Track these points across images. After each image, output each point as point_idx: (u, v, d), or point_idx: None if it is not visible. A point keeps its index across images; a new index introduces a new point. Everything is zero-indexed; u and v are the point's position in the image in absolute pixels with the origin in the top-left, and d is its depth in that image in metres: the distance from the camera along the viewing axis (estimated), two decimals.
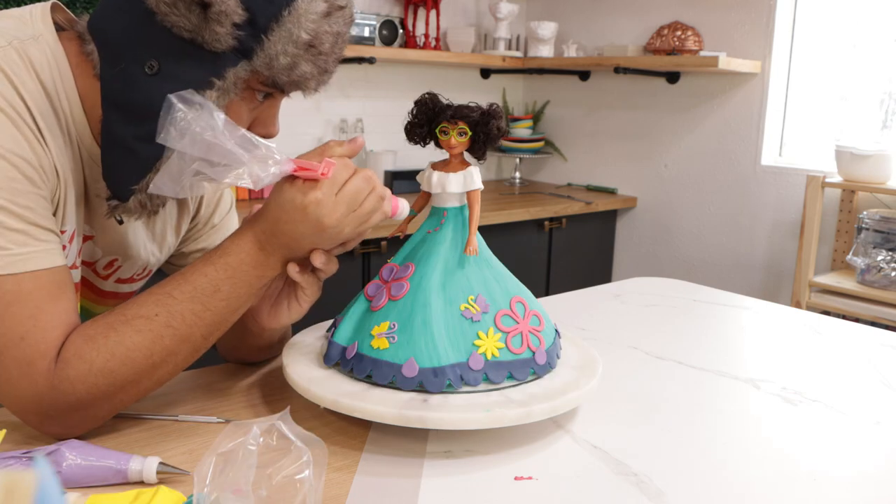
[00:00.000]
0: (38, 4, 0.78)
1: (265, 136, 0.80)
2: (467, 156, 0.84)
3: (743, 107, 2.72)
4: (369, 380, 0.77)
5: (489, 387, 0.77)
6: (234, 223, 1.03)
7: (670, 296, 1.38)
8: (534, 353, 0.79)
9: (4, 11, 0.77)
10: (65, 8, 0.80)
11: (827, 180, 2.36)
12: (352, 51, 2.56)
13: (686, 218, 2.94)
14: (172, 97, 0.67)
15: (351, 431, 0.78)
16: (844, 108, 2.58)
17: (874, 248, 2.27)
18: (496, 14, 3.08)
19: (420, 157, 3.01)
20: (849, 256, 2.32)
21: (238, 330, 0.88)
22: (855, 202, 2.47)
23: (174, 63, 0.70)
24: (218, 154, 0.68)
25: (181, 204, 0.96)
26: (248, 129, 0.78)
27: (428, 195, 0.85)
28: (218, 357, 0.99)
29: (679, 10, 2.84)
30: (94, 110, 0.76)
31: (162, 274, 0.92)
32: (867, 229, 2.30)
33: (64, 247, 0.77)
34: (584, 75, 3.17)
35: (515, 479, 0.70)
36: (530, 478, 0.70)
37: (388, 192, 0.77)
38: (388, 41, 2.80)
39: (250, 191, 2.35)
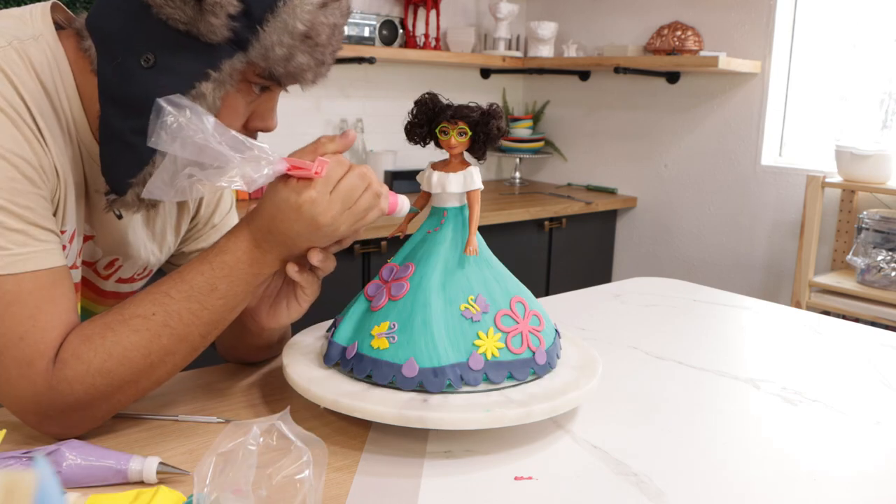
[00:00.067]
0: (38, 4, 0.78)
1: (264, 130, 0.80)
2: (467, 156, 0.84)
3: (743, 107, 2.72)
4: (369, 380, 0.77)
5: (489, 387, 0.77)
6: (233, 223, 1.03)
7: (670, 296, 1.38)
8: (534, 353, 0.79)
9: (4, 11, 0.77)
10: (64, 7, 0.80)
11: (827, 180, 2.36)
12: (352, 51, 2.56)
13: (686, 218, 2.94)
14: (161, 101, 0.67)
15: (351, 431, 0.78)
16: (844, 108, 2.58)
17: (874, 248, 2.27)
18: (496, 14, 3.08)
19: (420, 157, 3.01)
20: (849, 256, 2.32)
21: (237, 330, 0.88)
22: (855, 202, 2.47)
23: (170, 56, 0.70)
24: (209, 156, 0.68)
25: (181, 204, 0.96)
26: (247, 122, 0.78)
27: (428, 195, 0.85)
28: (218, 357, 0.99)
29: (679, 10, 2.84)
30: (93, 109, 0.76)
31: (162, 274, 0.92)
32: (867, 229, 2.30)
33: (64, 247, 0.77)
34: (584, 75, 3.17)
35: (515, 479, 0.70)
36: (530, 478, 0.70)
37: (385, 188, 0.77)
38: (388, 41, 2.80)
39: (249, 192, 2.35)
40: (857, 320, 1.82)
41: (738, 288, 2.75)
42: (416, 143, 0.83)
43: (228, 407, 0.84)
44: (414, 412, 0.71)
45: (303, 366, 0.81)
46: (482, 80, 3.33)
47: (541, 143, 3.26)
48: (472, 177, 0.82)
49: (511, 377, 0.78)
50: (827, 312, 2.28)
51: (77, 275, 0.84)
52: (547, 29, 3.07)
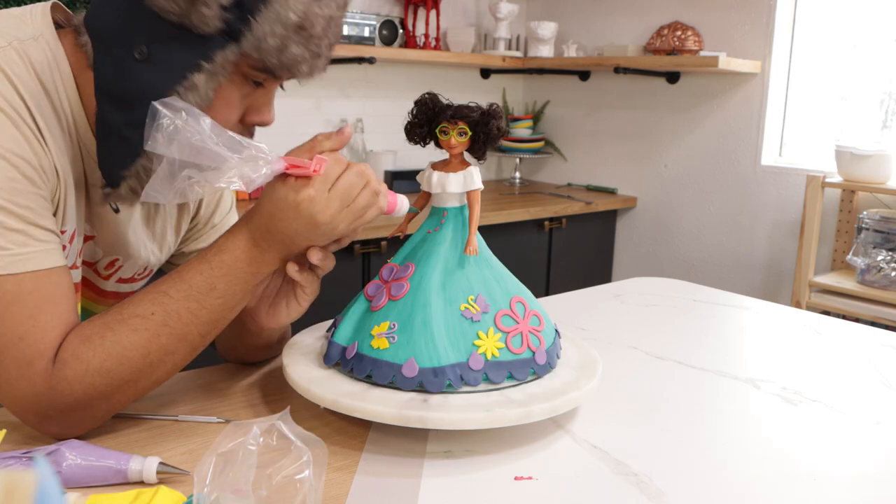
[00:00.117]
0: (38, 4, 0.78)
1: (261, 124, 0.79)
2: (467, 156, 0.84)
3: (743, 107, 2.72)
4: (369, 380, 0.77)
5: (489, 387, 0.77)
6: (233, 223, 1.03)
7: (670, 296, 1.38)
8: (534, 353, 0.79)
9: (4, 11, 0.77)
10: (64, 7, 0.80)
11: (827, 180, 2.36)
12: (352, 51, 2.56)
13: (686, 218, 2.94)
14: (157, 104, 0.67)
15: (351, 431, 0.78)
16: (844, 108, 2.58)
17: (874, 248, 2.27)
18: (496, 14, 3.08)
19: (420, 157, 3.01)
20: (849, 256, 2.32)
21: (237, 330, 0.88)
22: (855, 202, 2.47)
23: (163, 48, 0.70)
24: (206, 158, 0.68)
25: (181, 204, 0.96)
26: (243, 117, 0.78)
27: (428, 195, 0.85)
28: (217, 357, 0.99)
29: (679, 10, 2.84)
30: (93, 108, 0.76)
31: (162, 274, 0.92)
32: (867, 229, 2.30)
33: (64, 247, 0.77)
34: (584, 75, 3.17)
35: (515, 479, 0.70)
36: (530, 478, 0.70)
37: (383, 187, 0.77)
38: (388, 41, 2.80)
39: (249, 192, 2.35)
40: (857, 320, 1.82)
41: (738, 288, 2.75)
42: (416, 143, 0.83)
43: (228, 407, 0.84)
44: (414, 412, 0.71)
45: (303, 366, 0.81)
46: (482, 80, 3.33)
47: (541, 143, 3.26)
48: (472, 177, 0.82)
49: (511, 377, 0.78)
50: (827, 312, 2.28)
51: (77, 275, 0.84)
52: (547, 29, 3.07)
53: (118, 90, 0.72)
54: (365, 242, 2.31)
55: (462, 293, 0.79)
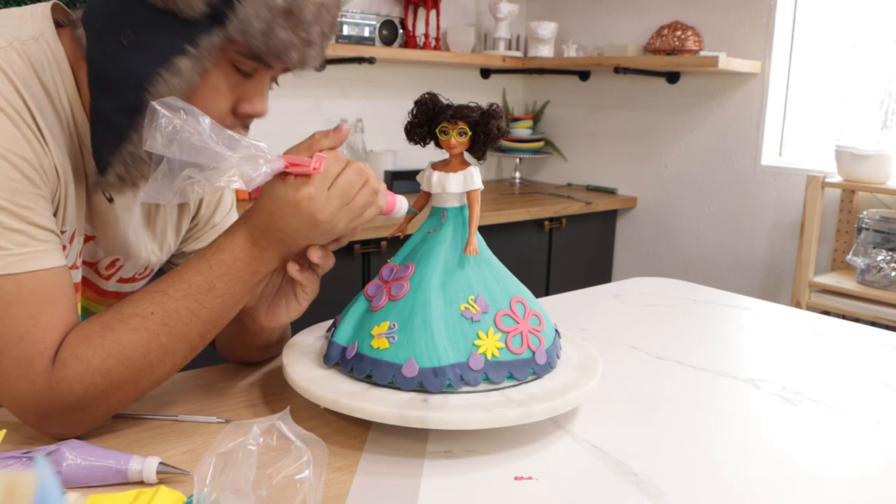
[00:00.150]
0: (39, 4, 0.78)
1: (253, 115, 0.78)
2: (467, 156, 0.84)
3: (743, 107, 2.72)
4: (369, 380, 0.77)
5: (489, 387, 0.77)
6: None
7: (670, 296, 1.38)
8: (534, 353, 0.79)
9: (5, 11, 0.77)
10: (65, 7, 0.80)
11: (827, 180, 2.36)
12: (352, 51, 2.56)
13: (686, 218, 2.94)
14: (156, 104, 0.67)
15: (351, 431, 0.78)
16: (844, 108, 2.58)
17: (874, 248, 2.27)
18: (496, 14, 3.08)
19: (420, 157, 3.01)
20: (849, 256, 2.32)
21: (236, 329, 0.88)
22: (855, 202, 2.47)
23: (149, 33, 0.70)
24: (206, 157, 0.67)
25: (181, 203, 0.96)
26: (235, 107, 0.77)
27: (428, 195, 0.85)
28: (217, 357, 0.99)
29: (679, 10, 2.84)
30: None
31: (163, 273, 0.92)
32: (867, 229, 2.30)
33: (64, 247, 0.77)
34: (584, 75, 3.17)
35: (515, 479, 0.70)
36: (530, 478, 0.70)
37: (382, 186, 0.77)
38: (388, 41, 2.80)
39: (249, 192, 2.35)
40: (857, 320, 1.82)
41: (738, 288, 2.75)
42: (416, 143, 0.83)
43: (228, 407, 0.84)
44: (414, 412, 0.71)
45: (303, 366, 0.81)
46: (482, 80, 3.33)
47: (541, 143, 3.26)
48: (472, 177, 0.82)
49: (511, 377, 0.78)
50: (827, 312, 2.28)
51: (77, 275, 0.84)
52: (547, 29, 3.07)
53: (106, 76, 0.72)
54: (365, 242, 2.31)
55: (462, 293, 0.79)
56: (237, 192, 2.37)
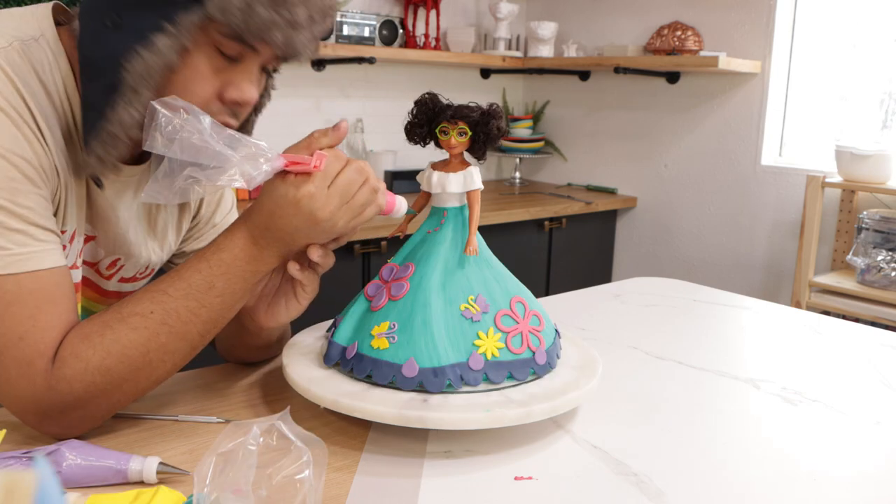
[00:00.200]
0: (40, 5, 0.78)
1: (240, 101, 0.76)
2: (467, 156, 0.84)
3: (743, 107, 2.72)
4: (369, 380, 0.77)
5: (489, 387, 0.77)
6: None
7: (670, 296, 1.38)
8: (534, 353, 0.79)
9: (6, 11, 0.77)
10: (65, 7, 0.80)
11: (827, 180, 2.36)
12: (352, 51, 2.56)
13: (686, 218, 2.94)
14: (156, 104, 0.67)
15: (351, 431, 0.78)
16: (844, 108, 2.58)
17: (874, 248, 2.27)
18: (496, 14, 3.08)
19: (420, 157, 3.01)
20: (849, 256, 2.32)
21: (236, 329, 0.88)
22: (855, 202, 2.47)
23: (132, 14, 0.70)
24: (207, 157, 0.67)
25: (182, 203, 0.96)
26: (220, 92, 0.75)
27: (428, 195, 0.85)
28: (218, 357, 0.99)
29: (679, 10, 2.84)
30: None
31: (164, 273, 0.92)
32: (867, 229, 2.30)
33: (64, 246, 0.77)
34: (584, 75, 3.17)
35: (515, 479, 0.70)
36: (530, 478, 0.70)
37: (382, 185, 0.77)
38: (388, 41, 2.80)
39: (249, 191, 2.35)
40: (857, 320, 1.82)
41: (738, 288, 2.75)
42: (416, 143, 0.83)
43: (228, 407, 0.84)
44: (414, 412, 0.71)
45: (303, 366, 0.81)
46: (482, 80, 3.33)
47: (541, 143, 3.26)
48: (472, 177, 0.82)
49: (511, 377, 0.78)
50: (827, 312, 2.28)
51: (77, 275, 0.84)
52: (547, 29, 3.07)
53: (91, 60, 0.72)
54: (365, 242, 2.31)
55: (462, 293, 0.79)
56: (237, 191, 2.37)
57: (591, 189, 3.18)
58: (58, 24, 0.77)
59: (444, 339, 0.76)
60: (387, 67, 2.97)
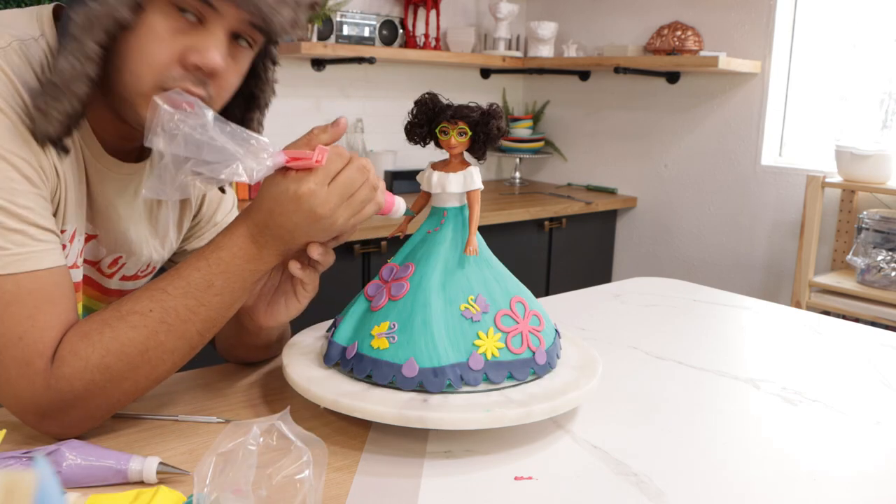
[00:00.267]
0: (41, 6, 0.78)
1: (201, 66, 0.73)
2: (467, 156, 0.84)
3: (743, 107, 2.72)
4: (369, 380, 0.77)
5: (489, 387, 0.77)
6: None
7: (670, 296, 1.38)
8: (534, 353, 0.79)
9: (6, 11, 0.77)
10: (66, 8, 0.80)
11: (827, 180, 2.36)
12: (352, 51, 2.56)
13: (686, 218, 2.94)
14: (158, 99, 0.67)
15: (351, 431, 0.78)
16: (844, 108, 2.58)
17: (874, 248, 2.27)
18: (496, 14, 3.08)
19: (420, 157, 3.01)
20: (849, 256, 2.32)
21: (236, 329, 0.88)
22: (855, 202, 2.47)
23: None
24: (210, 152, 0.67)
25: (183, 200, 0.97)
26: (183, 55, 0.72)
27: (428, 195, 0.85)
28: (218, 357, 0.99)
29: (679, 10, 2.84)
30: (92, 106, 0.77)
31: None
32: (867, 229, 2.30)
33: (64, 246, 0.77)
34: (584, 75, 3.17)
35: (515, 479, 0.70)
36: (530, 478, 0.70)
37: (381, 183, 0.77)
38: (388, 41, 2.80)
39: (249, 190, 2.35)
40: (857, 320, 1.82)
41: (738, 288, 2.75)
42: (416, 143, 0.83)
43: (228, 407, 0.84)
44: (414, 412, 0.71)
45: (303, 366, 0.81)
46: (482, 80, 3.33)
47: (541, 143, 3.26)
48: (472, 177, 0.82)
49: (511, 377, 0.78)
50: (827, 312, 2.28)
51: (78, 274, 0.84)
52: (547, 29, 3.07)
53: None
54: (365, 242, 2.31)
55: (462, 293, 0.79)
56: (238, 191, 2.37)
57: (591, 189, 3.18)
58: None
59: (444, 339, 0.76)
60: (387, 67, 2.97)
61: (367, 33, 2.68)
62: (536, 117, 3.37)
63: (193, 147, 0.66)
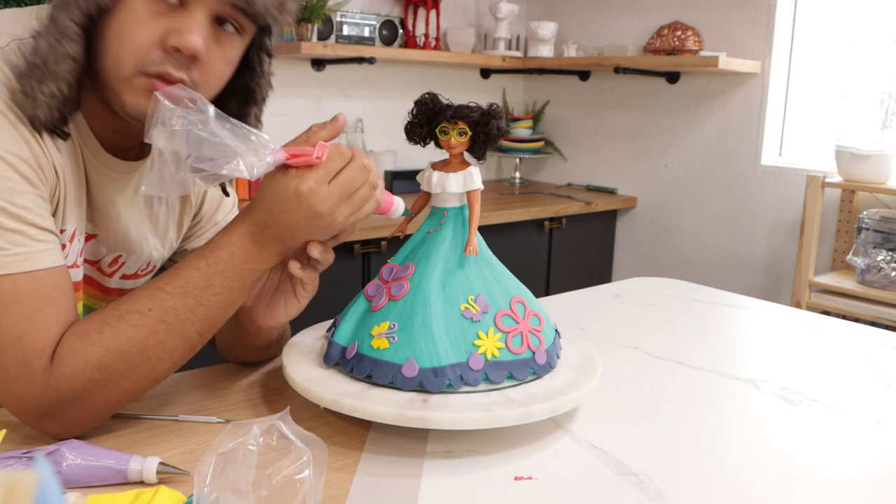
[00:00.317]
0: (41, 6, 0.78)
1: (181, 48, 0.72)
2: (467, 156, 0.84)
3: (743, 107, 2.72)
4: (369, 380, 0.77)
5: (489, 387, 0.77)
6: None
7: (670, 296, 1.38)
8: (534, 353, 0.79)
9: (5, 11, 0.77)
10: None
11: (827, 180, 2.36)
12: (352, 51, 2.56)
13: (686, 218, 2.94)
14: (159, 94, 0.66)
15: (351, 431, 0.78)
16: (844, 108, 2.58)
17: (874, 248, 2.28)
18: (496, 14, 3.08)
19: (420, 157, 3.01)
20: (849, 256, 2.32)
21: (235, 330, 0.88)
22: (855, 202, 2.47)
23: None
24: (210, 148, 0.67)
25: (183, 199, 0.97)
26: (163, 38, 0.72)
27: (428, 195, 0.85)
28: (218, 357, 0.99)
29: (679, 10, 2.84)
30: (91, 106, 0.77)
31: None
32: (867, 229, 2.30)
33: (63, 246, 0.77)
34: (584, 75, 3.17)
35: (515, 479, 0.70)
36: (530, 478, 0.70)
37: (381, 182, 0.77)
38: (388, 41, 2.80)
39: (249, 189, 2.35)
40: (857, 320, 1.82)
41: (738, 288, 2.75)
42: (416, 143, 0.83)
43: (228, 407, 0.84)
44: (414, 412, 0.71)
45: (303, 366, 0.81)
46: (482, 80, 3.33)
47: (541, 143, 3.26)
48: (472, 177, 0.82)
49: (511, 377, 0.78)
50: (827, 312, 2.28)
51: (78, 273, 0.84)
52: (547, 29, 3.07)
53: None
54: (365, 242, 2.31)
55: (462, 293, 0.79)
56: (238, 191, 2.37)
57: (591, 189, 3.18)
58: None
59: (444, 339, 0.76)
60: (387, 67, 2.97)
61: (367, 33, 2.68)
62: (536, 117, 3.37)
63: (194, 143, 0.66)
